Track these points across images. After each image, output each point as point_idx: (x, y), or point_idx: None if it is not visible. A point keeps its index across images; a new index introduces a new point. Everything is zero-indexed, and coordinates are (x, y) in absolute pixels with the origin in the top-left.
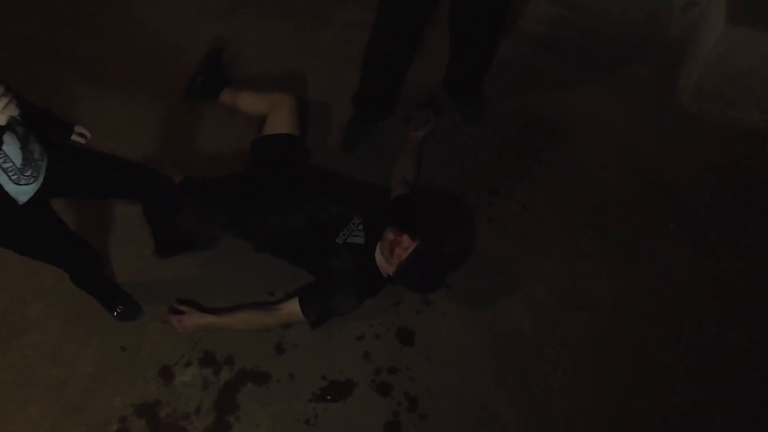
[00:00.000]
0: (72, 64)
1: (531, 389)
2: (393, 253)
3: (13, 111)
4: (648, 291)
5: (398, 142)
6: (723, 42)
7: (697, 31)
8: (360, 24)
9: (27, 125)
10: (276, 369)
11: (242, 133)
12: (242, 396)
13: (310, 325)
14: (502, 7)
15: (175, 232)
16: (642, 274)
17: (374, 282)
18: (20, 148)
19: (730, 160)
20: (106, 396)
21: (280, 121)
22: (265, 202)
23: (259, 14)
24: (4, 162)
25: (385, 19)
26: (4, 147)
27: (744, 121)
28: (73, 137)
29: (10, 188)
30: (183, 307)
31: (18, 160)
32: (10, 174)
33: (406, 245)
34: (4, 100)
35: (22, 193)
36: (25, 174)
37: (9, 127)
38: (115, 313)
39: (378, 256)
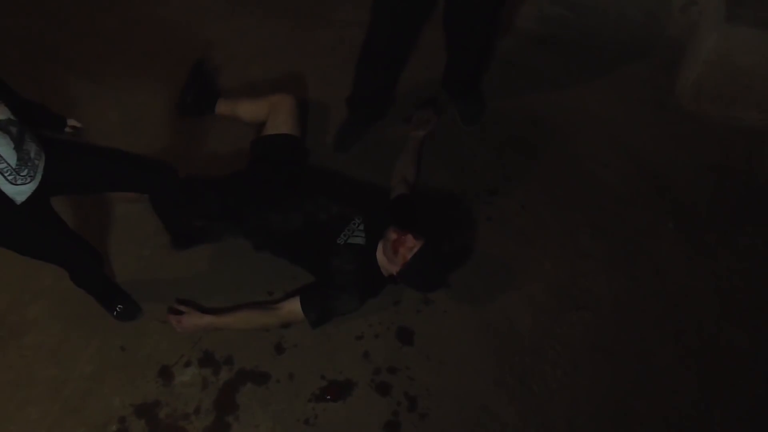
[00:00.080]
0: (71, 64)
1: (531, 389)
2: (397, 252)
3: (2, 114)
4: (647, 290)
5: (398, 141)
6: (722, 41)
7: (696, 30)
8: (359, 24)
9: (22, 124)
10: (275, 369)
11: (242, 133)
12: (242, 396)
13: (311, 324)
14: (496, 7)
15: (188, 223)
16: (642, 274)
17: (375, 282)
18: (14, 148)
19: (730, 159)
20: (106, 396)
21: (280, 122)
22: (264, 200)
23: (259, 14)
24: None
25: (379, 21)
26: None
27: (743, 120)
28: (66, 130)
29: (7, 188)
30: (182, 307)
31: (12, 160)
32: (6, 174)
33: (411, 245)
34: None
35: (20, 193)
36: (21, 174)
37: (1, 127)
38: (114, 313)
39: (380, 255)
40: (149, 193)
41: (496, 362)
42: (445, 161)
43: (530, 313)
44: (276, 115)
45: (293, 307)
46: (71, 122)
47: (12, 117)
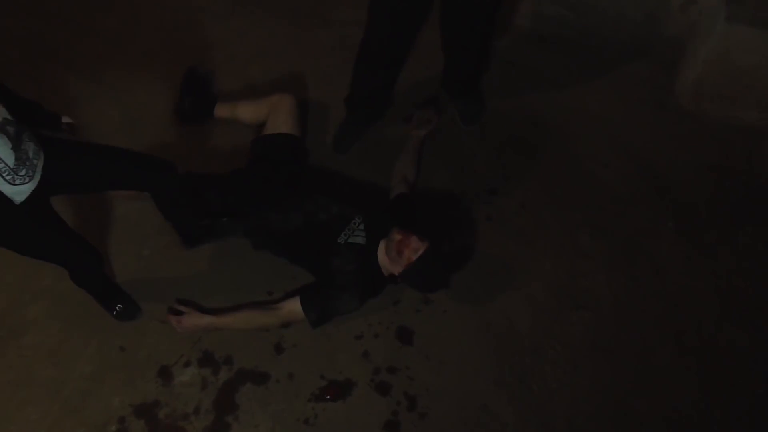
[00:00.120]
0: (71, 64)
1: (530, 388)
2: (401, 254)
3: None
4: (647, 290)
5: (398, 141)
6: (722, 40)
7: (696, 29)
8: (359, 24)
9: (19, 124)
10: (275, 369)
11: (242, 132)
12: (241, 396)
13: (311, 324)
14: (492, 9)
15: (194, 221)
16: (641, 273)
17: (376, 282)
18: (12, 148)
19: (730, 158)
20: (105, 396)
21: (281, 121)
22: (264, 199)
23: (259, 14)
24: None
25: (376, 21)
26: None
27: (743, 120)
28: (62, 128)
29: (6, 189)
30: (182, 308)
31: (10, 160)
32: (4, 174)
33: (416, 246)
34: None
35: (19, 193)
36: (20, 174)
37: None
38: (114, 313)
39: (381, 255)
40: (150, 192)
41: (496, 362)
42: (444, 161)
43: (530, 313)
44: (276, 115)
45: (294, 306)
46: (65, 119)
47: (9, 117)
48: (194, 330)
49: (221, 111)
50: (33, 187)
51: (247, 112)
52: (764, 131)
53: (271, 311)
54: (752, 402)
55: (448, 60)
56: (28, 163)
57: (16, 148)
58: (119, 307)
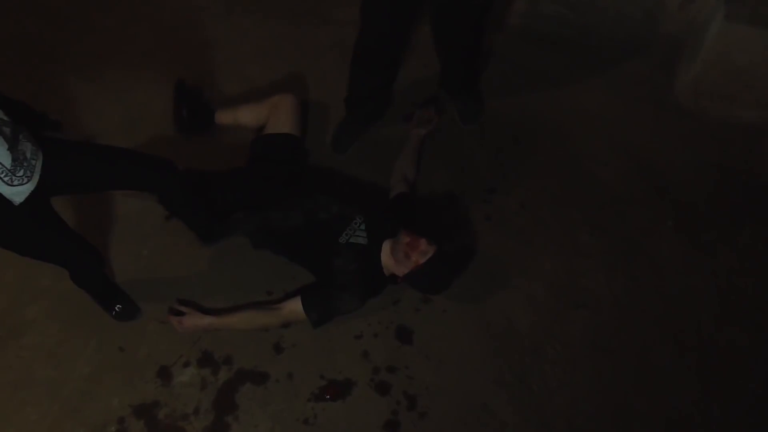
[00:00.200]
0: (69, 64)
1: (530, 388)
2: (409, 256)
3: None
4: (647, 289)
5: (398, 141)
6: (721, 39)
7: (695, 28)
8: (358, 23)
9: (15, 125)
10: (274, 369)
11: (242, 132)
12: (241, 396)
13: (312, 324)
14: (480, 13)
15: (208, 216)
16: (641, 272)
17: (377, 282)
18: (8, 149)
19: (729, 157)
20: (104, 397)
21: (281, 121)
22: (264, 198)
23: (258, 14)
24: None
25: (367, 22)
26: None
27: (742, 118)
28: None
29: (4, 190)
30: (183, 308)
31: (7, 161)
32: (2, 175)
33: (425, 249)
34: None
35: (17, 193)
36: (18, 175)
37: None
38: (113, 313)
39: (385, 256)
40: (150, 191)
41: (496, 361)
42: (444, 160)
43: (530, 312)
44: (277, 115)
45: (295, 306)
46: (52, 117)
47: (4, 117)
48: (195, 330)
49: (222, 118)
50: (32, 188)
51: (248, 115)
52: (764, 130)
53: (272, 311)
54: (752, 402)
55: (440, 60)
56: (25, 164)
57: (13, 148)
58: (118, 308)
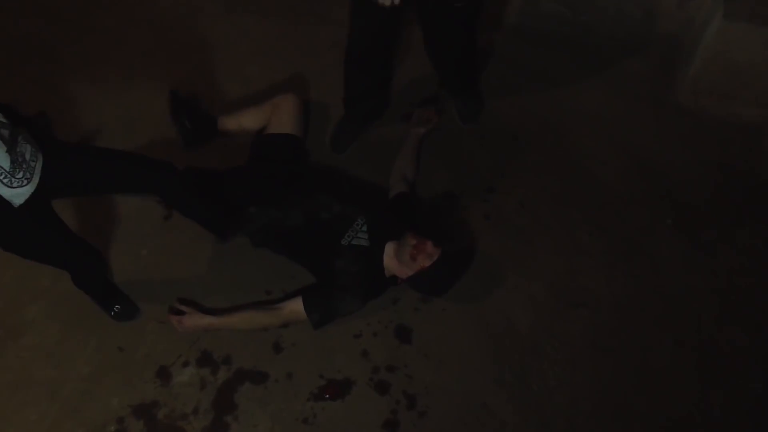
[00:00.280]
0: (69, 63)
1: (530, 387)
2: (415, 259)
3: None
4: (646, 288)
5: (397, 140)
6: (720, 37)
7: (694, 26)
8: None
9: (14, 127)
10: (274, 368)
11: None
12: (240, 396)
13: (313, 325)
14: (467, 17)
15: (216, 213)
16: (640, 271)
17: (379, 283)
18: (6, 151)
19: (728, 155)
20: (104, 397)
21: (282, 121)
22: (263, 197)
23: (257, 13)
24: None
25: (355, 24)
26: None
27: (742, 117)
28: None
29: (4, 191)
30: (183, 308)
31: (6, 163)
32: (1, 177)
33: (431, 252)
34: None
35: (17, 195)
36: (17, 176)
37: None
38: (112, 313)
39: (388, 259)
40: (152, 194)
41: (495, 360)
42: (443, 160)
43: (529, 311)
44: (278, 115)
45: (296, 307)
46: (40, 114)
47: (2, 120)
48: (194, 330)
49: (226, 124)
50: (32, 190)
51: (251, 119)
52: (764, 128)
53: (272, 311)
54: (752, 402)
55: (432, 62)
56: (24, 166)
57: (12, 150)
58: (117, 308)
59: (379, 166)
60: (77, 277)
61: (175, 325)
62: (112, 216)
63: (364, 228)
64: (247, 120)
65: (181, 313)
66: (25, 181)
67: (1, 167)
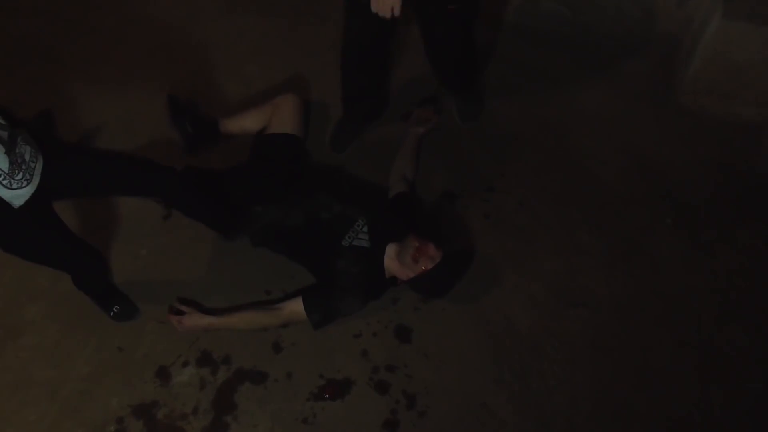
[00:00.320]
0: (69, 63)
1: (529, 386)
2: (417, 261)
3: None
4: (646, 287)
5: (396, 140)
6: (719, 37)
7: (693, 25)
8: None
9: (13, 128)
10: (273, 368)
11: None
12: (240, 395)
13: (313, 325)
14: (465, 18)
15: (220, 212)
16: (640, 271)
17: (379, 284)
18: (5, 152)
19: (728, 155)
20: (103, 397)
21: (282, 122)
22: (264, 195)
23: (256, 13)
24: None
25: (350, 24)
26: None
27: (741, 116)
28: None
29: (3, 193)
30: (183, 307)
31: (5, 164)
32: (0, 179)
33: (433, 254)
34: None
35: (17, 197)
36: (16, 178)
37: None
38: (111, 314)
39: (389, 260)
40: (153, 195)
41: (495, 360)
42: (442, 159)
43: (529, 311)
44: (279, 115)
45: (296, 307)
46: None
47: (2, 121)
48: (194, 330)
49: (228, 127)
50: (32, 191)
51: (253, 121)
52: (763, 127)
53: (272, 311)
54: (752, 402)
55: (430, 63)
56: (24, 167)
57: (10, 151)
58: (116, 308)
59: (379, 166)
60: (78, 278)
61: (174, 325)
62: (111, 216)
63: (365, 229)
64: (249, 121)
65: (180, 313)
66: (25, 183)
67: (0, 169)
